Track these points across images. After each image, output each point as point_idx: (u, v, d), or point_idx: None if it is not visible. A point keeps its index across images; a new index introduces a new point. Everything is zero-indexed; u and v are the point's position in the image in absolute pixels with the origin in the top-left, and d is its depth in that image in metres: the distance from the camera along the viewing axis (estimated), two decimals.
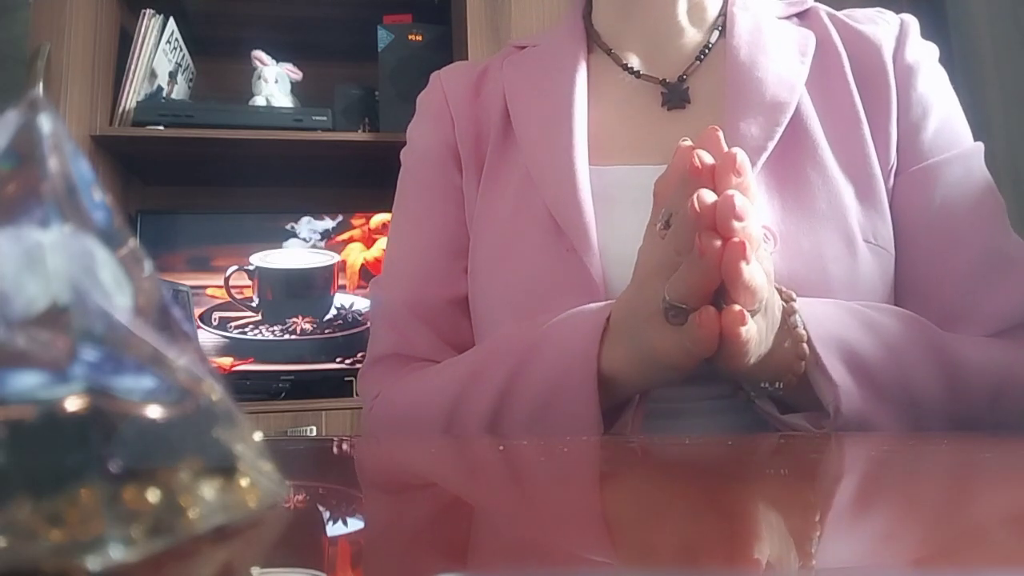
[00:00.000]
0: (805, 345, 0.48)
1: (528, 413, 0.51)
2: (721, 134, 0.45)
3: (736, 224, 0.40)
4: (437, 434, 0.56)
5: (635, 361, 0.48)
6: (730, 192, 0.41)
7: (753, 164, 0.57)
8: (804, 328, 0.48)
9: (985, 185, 0.61)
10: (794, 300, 0.49)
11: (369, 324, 0.70)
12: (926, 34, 0.67)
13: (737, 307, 0.42)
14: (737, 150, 0.43)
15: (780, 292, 0.49)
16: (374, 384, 0.66)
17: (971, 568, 0.15)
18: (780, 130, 0.58)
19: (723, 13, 0.68)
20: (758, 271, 0.42)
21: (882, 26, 0.65)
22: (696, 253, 0.41)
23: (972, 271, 0.58)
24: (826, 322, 0.50)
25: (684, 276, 0.42)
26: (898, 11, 0.68)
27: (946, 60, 0.68)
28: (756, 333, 0.43)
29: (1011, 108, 1.56)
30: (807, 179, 0.58)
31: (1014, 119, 1.55)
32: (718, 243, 0.41)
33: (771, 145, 0.58)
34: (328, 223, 1.78)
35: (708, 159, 0.43)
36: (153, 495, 0.16)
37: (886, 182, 0.60)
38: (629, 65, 0.67)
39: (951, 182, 0.60)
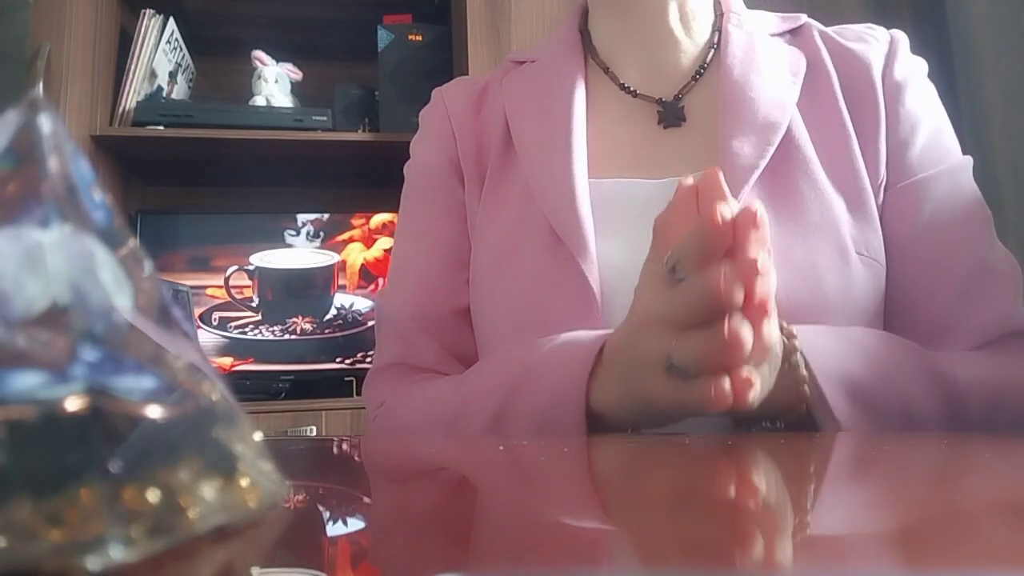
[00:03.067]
0: (807, 387, 0.47)
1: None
2: (721, 175, 0.44)
3: (759, 285, 0.40)
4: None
5: (627, 403, 0.46)
6: (752, 256, 0.40)
7: (745, 181, 0.58)
8: (806, 368, 0.48)
9: (972, 198, 0.63)
10: (795, 337, 0.48)
11: (375, 334, 0.72)
12: (925, 35, 0.67)
13: (745, 373, 0.40)
14: (757, 204, 0.41)
15: (780, 328, 0.48)
16: (378, 393, 0.67)
17: (971, 568, 0.15)
18: (772, 149, 0.59)
19: (718, 29, 0.68)
20: (774, 327, 0.42)
21: (871, 44, 0.66)
22: (717, 330, 0.40)
23: (959, 285, 0.60)
24: (826, 356, 0.49)
25: (698, 347, 0.41)
26: (898, 12, 0.69)
27: (946, 60, 0.68)
28: (759, 381, 0.42)
29: (1011, 108, 1.56)
30: (799, 192, 0.59)
31: (1014, 119, 1.55)
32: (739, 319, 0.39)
33: (763, 163, 0.59)
34: (329, 222, 1.78)
35: (728, 214, 0.41)
36: (153, 495, 0.16)
37: (876, 196, 0.62)
38: (626, 84, 0.68)
39: (939, 196, 0.61)
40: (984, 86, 1.62)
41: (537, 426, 0.50)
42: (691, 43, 0.68)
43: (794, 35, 0.69)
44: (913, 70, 0.65)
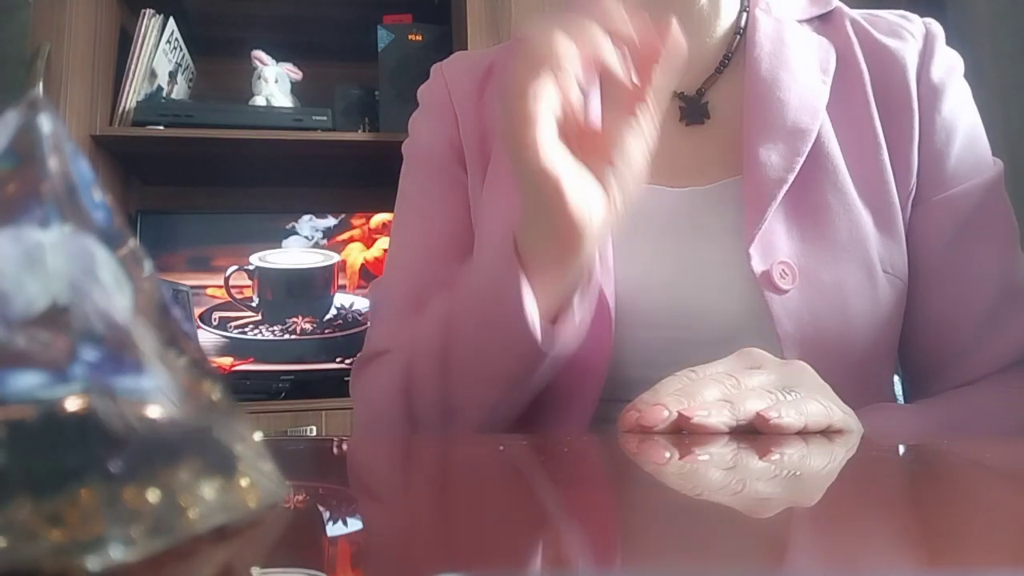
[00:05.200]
0: None
1: (471, 325, 0.52)
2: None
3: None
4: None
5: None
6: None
7: (773, 197, 0.55)
8: None
9: (1002, 213, 0.61)
10: None
11: (368, 325, 0.69)
12: None
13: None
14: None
15: None
16: (361, 382, 0.62)
17: (970, 568, 0.15)
18: (801, 160, 0.56)
19: (745, 9, 0.64)
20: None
21: (907, 41, 0.62)
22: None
23: (985, 306, 0.58)
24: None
25: None
26: (897, 7, 0.68)
27: None
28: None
29: (1011, 108, 1.56)
30: (827, 207, 0.57)
31: (1014, 119, 1.55)
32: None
33: (791, 177, 0.56)
34: (329, 222, 1.78)
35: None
36: (153, 495, 0.16)
37: (903, 209, 0.59)
38: None
39: (971, 213, 0.59)
40: (984, 86, 1.62)
41: (483, 325, 0.50)
42: (718, 27, 0.63)
43: (824, 21, 0.65)
44: (950, 69, 0.62)
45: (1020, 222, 0.61)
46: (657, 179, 0.60)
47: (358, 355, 0.65)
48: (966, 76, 0.65)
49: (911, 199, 0.60)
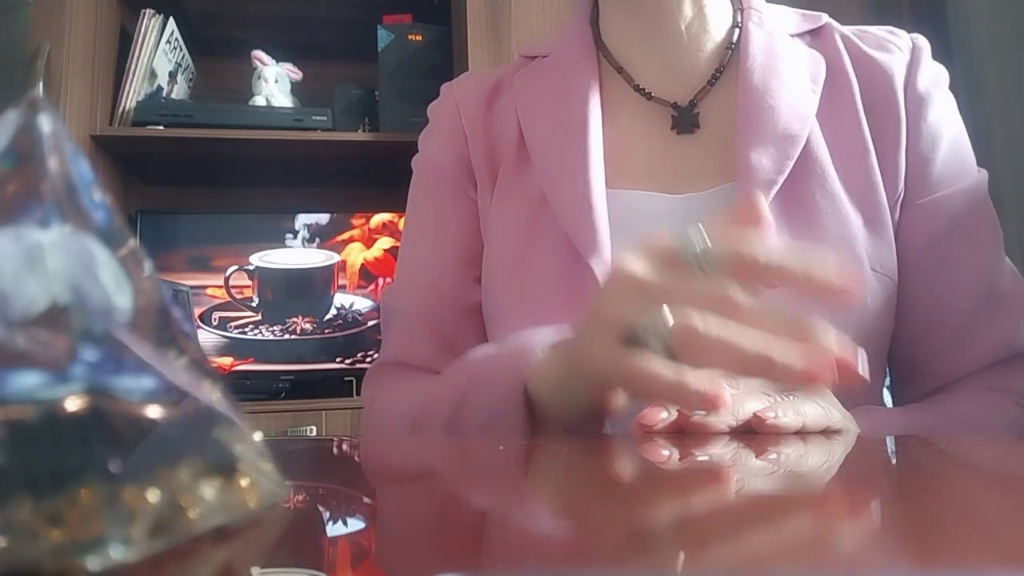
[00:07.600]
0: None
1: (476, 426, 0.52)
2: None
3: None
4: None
5: (567, 386, 0.46)
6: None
7: (764, 197, 0.56)
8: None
9: (987, 218, 0.63)
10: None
11: (382, 331, 0.73)
12: (925, 36, 0.67)
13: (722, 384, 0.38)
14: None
15: None
16: (373, 389, 0.68)
17: (969, 568, 0.15)
18: (791, 164, 0.58)
19: (738, 25, 0.66)
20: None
21: (894, 54, 0.65)
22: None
23: (967, 309, 0.60)
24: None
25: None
26: (897, 12, 0.68)
27: (946, 60, 0.68)
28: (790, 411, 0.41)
29: (1011, 108, 1.56)
30: (816, 207, 0.58)
31: (1014, 119, 1.55)
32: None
33: (781, 179, 0.58)
34: (328, 222, 1.78)
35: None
36: (153, 495, 0.16)
37: (892, 212, 0.61)
38: (640, 86, 0.66)
39: (955, 216, 0.61)
40: (984, 86, 1.62)
41: (487, 430, 0.50)
42: (708, 41, 0.66)
43: (814, 36, 0.67)
44: (935, 81, 0.65)
45: (1021, 224, 0.62)
46: (653, 186, 0.62)
47: (374, 363, 0.70)
48: (966, 82, 0.66)
49: (899, 202, 0.62)
